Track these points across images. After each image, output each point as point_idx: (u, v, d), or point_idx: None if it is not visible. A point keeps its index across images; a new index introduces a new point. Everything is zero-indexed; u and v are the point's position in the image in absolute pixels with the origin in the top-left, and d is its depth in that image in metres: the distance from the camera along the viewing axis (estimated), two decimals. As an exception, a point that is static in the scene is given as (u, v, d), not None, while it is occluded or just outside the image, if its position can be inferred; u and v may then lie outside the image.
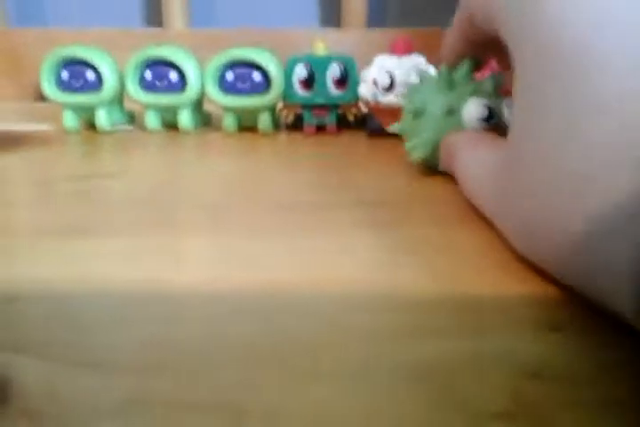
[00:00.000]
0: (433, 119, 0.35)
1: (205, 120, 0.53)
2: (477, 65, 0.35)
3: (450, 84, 0.35)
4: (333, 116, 0.50)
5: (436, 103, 0.35)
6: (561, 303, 0.20)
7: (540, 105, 0.21)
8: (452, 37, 0.33)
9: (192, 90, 0.49)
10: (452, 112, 0.34)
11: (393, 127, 0.39)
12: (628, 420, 0.15)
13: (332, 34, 0.68)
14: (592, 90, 0.19)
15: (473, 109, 0.34)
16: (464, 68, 0.35)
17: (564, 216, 0.19)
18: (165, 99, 0.49)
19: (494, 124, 0.34)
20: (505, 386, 0.16)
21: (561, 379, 0.16)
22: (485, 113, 0.34)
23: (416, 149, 0.36)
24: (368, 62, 0.48)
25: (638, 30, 0.19)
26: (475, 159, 0.29)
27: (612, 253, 0.17)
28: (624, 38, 0.19)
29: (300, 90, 0.49)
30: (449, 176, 0.33)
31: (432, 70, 0.45)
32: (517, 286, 0.22)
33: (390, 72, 0.46)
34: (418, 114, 0.36)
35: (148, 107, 0.50)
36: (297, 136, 0.49)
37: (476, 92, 0.34)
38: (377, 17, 0.72)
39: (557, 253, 0.20)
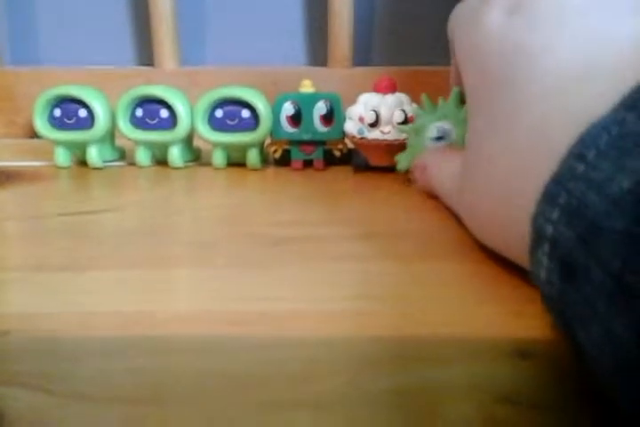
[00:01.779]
0: (419, 139, 0.44)
1: (195, 155, 0.54)
2: None
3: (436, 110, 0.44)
4: (320, 152, 0.51)
5: (423, 125, 0.44)
6: (531, 333, 0.21)
7: (477, 109, 0.26)
8: (451, 70, 0.39)
9: (182, 127, 0.50)
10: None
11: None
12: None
13: (319, 72, 0.70)
14: (518, 91, 0.22)
15: (429, 131, 0.43)
16: (452, 95, 0.43)
17: (501, 204, 0.23)
18: (156, 136, 0.51)
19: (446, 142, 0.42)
20: (479, 412, 0.16)
21: (532, 405, 0.17)
22: (435, 134, 0.43)
23: (401, 160, 0.45)
24: (353, 100, 0.49)
25: (565, 32, 0.21)
26: (445, 175, 0.33)
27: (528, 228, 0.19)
28: (551, 39, 0.22)
29: (287, 126, 0.50)
30: (434, 209, 0.34)
31: (415, 108, 0.47)
32: (490, 316, 0.22)
33: (375, 109, 0.47)
34: (410, 133, 0.45)
35: (138, 143, 0.52)
36: (284, 171, 0.50)
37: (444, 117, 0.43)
38: (362, 56, 0.74)
39: (499, 234, 0.24)
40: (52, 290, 0.25)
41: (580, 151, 0.16)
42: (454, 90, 0.43)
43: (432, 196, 0.38)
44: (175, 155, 0.51)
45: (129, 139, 0.51)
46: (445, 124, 0.43)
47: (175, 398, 0.17)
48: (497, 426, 0.15)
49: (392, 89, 0.48)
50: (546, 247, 0.17)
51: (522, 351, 0.20)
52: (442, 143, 0.42)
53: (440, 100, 0.44)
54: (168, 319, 0.22)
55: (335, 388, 0.17)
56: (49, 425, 0.16)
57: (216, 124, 0.50)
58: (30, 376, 0.18)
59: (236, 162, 0.52)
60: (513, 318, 0.22)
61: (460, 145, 0.41)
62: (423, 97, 0.45)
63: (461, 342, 0.20)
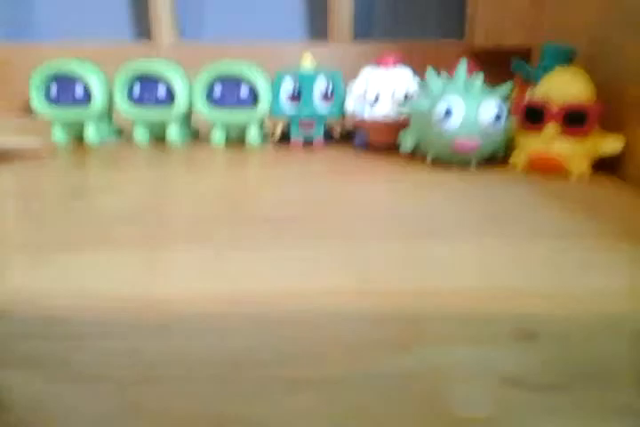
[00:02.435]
0: (425, 116, 0.41)
1: (193, 134, 0.54)
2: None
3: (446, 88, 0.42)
4: (320, 131, 0.50)
5: (430, 101, 0.41)
6: (537, 312, 0.21)
7: None
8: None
9: (180, 104, 0.49)
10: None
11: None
12: (604, 424, 0.15)
13: (319, 47, 0.69)
14: None
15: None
16: (459, 69, 0.41)
17: None
18: (154, 113, 0.50)
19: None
20: (486, 393, 0.16)
21: (538, 386, 0.16)
22: (444, 110, 0.40)
23: (405, 139, 0.44)
24: (354, 75, 0.48)
25: None
26: None
27: None
28: None
29: (287, 104, 0.49)
30: (438, 188, 0.34)
31: (417, 82, 0.46)
32: (496, 298, 0.22)
33: (377, 85, 0.46)
34: (414, 110, 0.43)
35: (136, 121, 0.51)
36: (284, 150, 0.50)
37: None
38: (363, 30, 0.73)
39: None
40: (47, 271, 0.24)
41: None
42: (462, 62, 0.41)
43: (437, 173, 0.38)
44: (173, 133, 0.50)
45: (126, 116, 0.51)
46: (454, 99, 0.40)
47: (173, 378, 0.17)
48: (505, 407, 0.15)
49: (394, 63, 0.47)
50: None
51: (527, 332, 0.19)
52: (449, 121, 0.40)
53: (443, 75, 0.43)
54: (166, 299, 0.22)
55: (337, 368, 0.17)
56: (44, 406, 0.15)
57: (214, 102, 0.49)
58: (26, 358, 0.18)
59: (234, 140, 0.51)
60: (517, 297, 0.22)
61: (469, 121, 0.40)
62: (429, 71, 0.43)
63: (465, 321, 0.20)
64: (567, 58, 0.45)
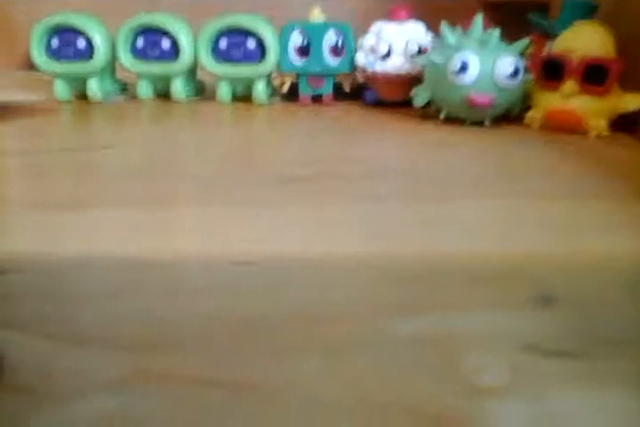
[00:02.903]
0: (439, 71, 0.40)
1: (199, 89, 0.52)
2: None
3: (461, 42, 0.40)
4: (329, 86, 0.49)
5: (444, 57, 0.40)
6: (556, 276, 0.20)
7: None
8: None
9: (185, 58, 0.48)
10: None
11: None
12: (623, 393, 0.14)
13: (329, 0, 0.67)
14: None
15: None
16: (475, 24, 0.40)
17: None
18: (158, 67, 0.48)
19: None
20: (502, 359, 0.15)
21: (555, 353, 0.16)
22: (459, 66, 0.39)
23: (418, 94, 0.43)
24: (365, 29, 0.47)
25: None
26: None
27: None
28: None
29: (295, 58, 0.48)
30: (449, 146, 0.33)
31: (432, 38, 0.44)
32: (512, 262, 0.21)
33: (388, 39, 0.45)
34: (427, 65, 0.41)
35: (140, 76, 0.49)
36: (292, 106, 0.49)
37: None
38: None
39: None
40: (51, 228, 0.24)
41: None
42: (477, 17, 0.40)
43: (450, 130, 0.37)
44: (178, 88, 0.49)
45: (130, 71, 0.49)
46: (469, 55, 0.39)
47: (179, 342, 0.16)
48: (520, 374, 0.15)
49: (407, 17, 0.46)
50: None
51: (545, 296, 0.19)
52: (465, 76, 0.39)
53: (458, 30, 0.41)
54: (173, 260, 0.21)
55: (350, 332, 0.17)
56: (52, 369, 0.15)
57: (220, 55, 0.48)
58: (30, 319, 0.17)
59: (241, 96, 0.50)
60: (535, 260, 0.21)
61: (485, 76, 0.38)
62: (443, 26, 0.41)
63: (481, 285, 0.19)
64: (587, 13, 0.44)
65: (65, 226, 0.24)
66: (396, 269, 0.21)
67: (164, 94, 0.50)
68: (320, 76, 0.48)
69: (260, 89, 0.48)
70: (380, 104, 0.47)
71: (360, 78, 0.49)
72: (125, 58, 0.48)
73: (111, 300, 0.19)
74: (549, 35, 0.45)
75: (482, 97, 0.39)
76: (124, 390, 0.14)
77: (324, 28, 0.47)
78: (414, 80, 0.44)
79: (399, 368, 0.15)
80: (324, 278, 0.20)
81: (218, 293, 0.19)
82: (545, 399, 0.14)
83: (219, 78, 0.49)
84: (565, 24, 0.42)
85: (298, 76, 0.49)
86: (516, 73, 0.38)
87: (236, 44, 0.47)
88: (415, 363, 0.15)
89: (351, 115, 0.46)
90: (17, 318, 0.17)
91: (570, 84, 0.38)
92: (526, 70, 0.40)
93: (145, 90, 0.50)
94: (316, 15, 0.48)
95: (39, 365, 0.15)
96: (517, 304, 0.18)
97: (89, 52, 0.48)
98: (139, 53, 0.48)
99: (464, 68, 0.38)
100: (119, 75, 0.52)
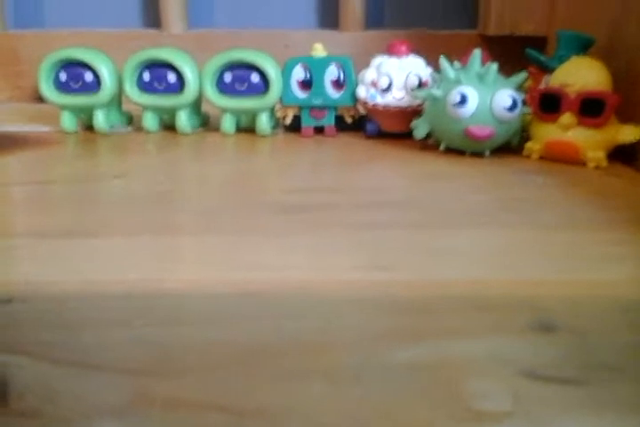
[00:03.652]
0: (439, 104, 0.41)
1: (203, 121, 0.53)
2: None
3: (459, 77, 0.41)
4: (331, 118, 0.49)
5: (444, 90, 0.41)
6: (555, 304, 0.20)
7: None
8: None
9: (190, 91, 0.49)
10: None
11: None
12: (622, 419, 0.15)
13: (331, 35, 0.68)
14: None
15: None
16: (473, 58, 0.40)
17: None
18: (163, 100, 0.49)
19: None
20: (502, 386, 0.16)
21: (555, 379, 0.16)
22: (458, 99, 0.39)
23: (418, 126, 0.43)
24: (366, 64, 0.48)
25: None
26: None
27: None
28: None
29: (298, 91, 0.49)
30: (449, 177, 0.33)
31: (432, 72, 0.45)
32: (512, 290, 0.22)
33: (389, 73, 0.46)
34: (427, 98, 0.42)
35: (146, 108, 0.50)
36: (295, 138, 0.49)
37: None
38: (375, 18, 0.72)
39: None
40: (56, 257, 0.24)
41: None
42: (475, 52, 0.41)
43: (450, 162, 0.37)
44: (183, 120, 0.50)
45: (136, 103, 0.50)
46: (467, 89, 0.40)
47: (183, 368, 0.16)
48: (522, 400, 0.15)
49: (407, 52, 0.47)
50: None
51: (545, 323, 0.19)
52: (464, 109, 0.40)
53: (457, 64, 0.42)
54: (175, 288, 0.21)
55: (349, 359, 0.17)
56: (53, 394, 0.15)
57: (225, 89, 0.49)
58: (34, 345, 0.18)
59: (245, 128, 0.51)
60: (534, 288, 0.21)
61: (483, 109, 0.39)
62: (442, 60, 0.42)
63: (481, 312, 0.20)
64: (584, 47, 0.45)
65: (68, 254, 0.24)
66: (396, 297, 0.21)
67: (169, 126, 0.51)
68: (322, 109, 0.49)
69: (263, 121, 0.49)
70: (381, 135, 0.48)
71: (361, 110, 0.50)
72: (132, 91, 0.49)
73: (113, 326, 0.19)
74: (547, 68, 0.46)
75: (481, 129, 0.39)
76: (128, 415, 0.14)
77: (325, 62, 0.48)
78: (414, 112, 0.45)
79: (399, 395, 0.15)
80: (324, 307, 0.20)
81: (220, 320, 0.19)
82: (546, 425, 0.14)
83: (223, 110, 0.50)
84: (562, 58, 0.43)
85: (300, 108, 0.49)
86: (514, 106, 0.39)
87: (241, 78, 0.48)
88: (416, 390, 0.16)
89: (353, 146, 0.47)
90: (23, 344, 0.18)
91: (567, 116, 0.39)
92: (524, 103, 0.41)
93: (151, 122, 0.51)
94: (318, 50, 0.49)
95: (45, 390, 0.15)
96: (518, 332, 0.19)
97: (96, 85, 0.49)
98: (145, 86, 0.49)
99: (463, 101, 0.39)
100: (125, 107, 0.53)
